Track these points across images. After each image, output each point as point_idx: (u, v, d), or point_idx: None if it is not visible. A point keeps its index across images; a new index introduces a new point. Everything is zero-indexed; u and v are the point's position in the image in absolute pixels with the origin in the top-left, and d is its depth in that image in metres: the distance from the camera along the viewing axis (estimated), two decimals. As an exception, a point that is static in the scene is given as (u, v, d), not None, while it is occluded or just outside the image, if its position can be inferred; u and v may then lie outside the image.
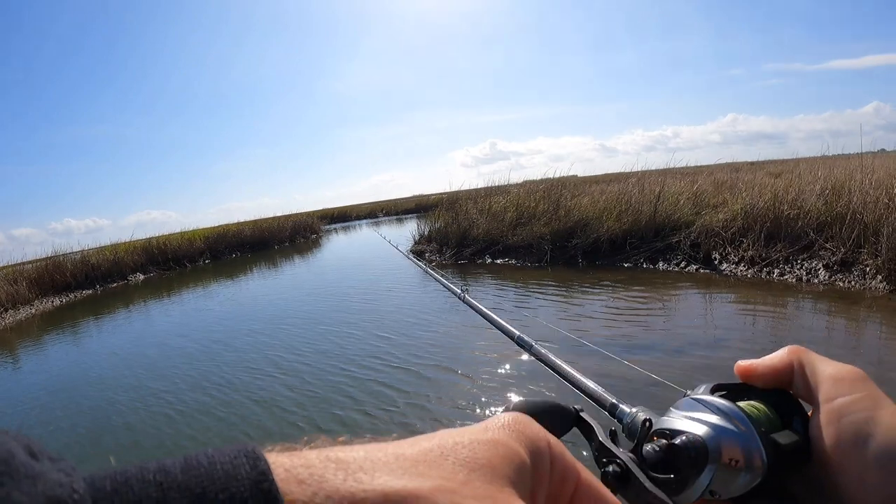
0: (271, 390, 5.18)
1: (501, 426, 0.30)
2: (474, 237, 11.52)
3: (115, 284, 18.04)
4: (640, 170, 13.54)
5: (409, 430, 3.87)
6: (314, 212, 44.53)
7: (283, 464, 0.23)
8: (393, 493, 0.23)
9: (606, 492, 0.33)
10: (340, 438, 0.29)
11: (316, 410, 4.56)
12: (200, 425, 4.65)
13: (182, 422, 4.79)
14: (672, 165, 13.54)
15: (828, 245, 7.22)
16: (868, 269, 6.67)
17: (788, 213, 7.82)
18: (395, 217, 41.66)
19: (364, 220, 43.74)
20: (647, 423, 0.48)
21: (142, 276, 19.19)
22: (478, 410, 4.21)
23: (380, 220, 41.99)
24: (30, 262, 19.28)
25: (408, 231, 16.25)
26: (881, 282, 6.39)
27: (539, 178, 14.62)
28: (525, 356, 4.88)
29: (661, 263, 8.62)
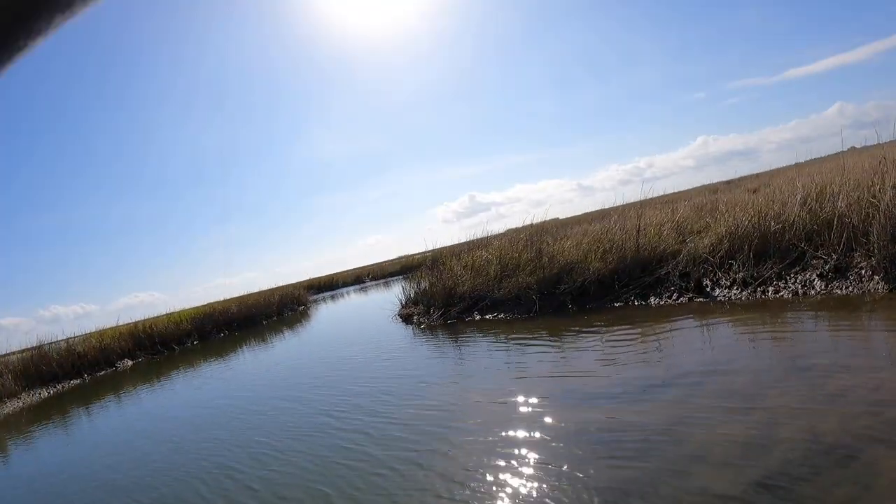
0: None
1: None
2: (460, 295, 11.23)
3: (103, 372, 17.50)
4: (619, 204, 13.40)
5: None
6: (300, 282, 44.09)
7: None
8: None
9: None
10: None
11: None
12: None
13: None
14: (650, 196, 13.39)
15: (819, 254, 7.03)
16: (864, 271, 6.48)
17: (774, 229, 7.62)
18: (381, 281, 41.32)
19: (351, 287, 43.26)
20: None
21: (130, 362, 18.64)
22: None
23: (367, 285, 41.58)
24: (15, 353, 18.71)
25: (394, 294, 16.01)
26: (879, 282, 6.20)
27: (520, 224, 14.48)
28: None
29: (652, 298, 8.30)
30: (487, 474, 3.87)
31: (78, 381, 16.42)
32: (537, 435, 4.37)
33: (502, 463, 4.01)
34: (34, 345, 18.57)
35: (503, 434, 4.54)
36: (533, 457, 4.00)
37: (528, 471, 3.80)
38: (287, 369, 10.49)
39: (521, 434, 4.47)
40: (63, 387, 15.83)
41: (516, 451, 4.15)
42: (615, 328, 7.23)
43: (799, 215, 7.55)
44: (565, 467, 3.70)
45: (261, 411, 7.36)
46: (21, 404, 13.94)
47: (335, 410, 6.41)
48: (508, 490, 3.59)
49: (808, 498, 2.78)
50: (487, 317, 10.37)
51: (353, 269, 61.81)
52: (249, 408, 7.71)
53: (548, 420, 4.65)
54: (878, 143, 9.39)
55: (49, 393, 15.12)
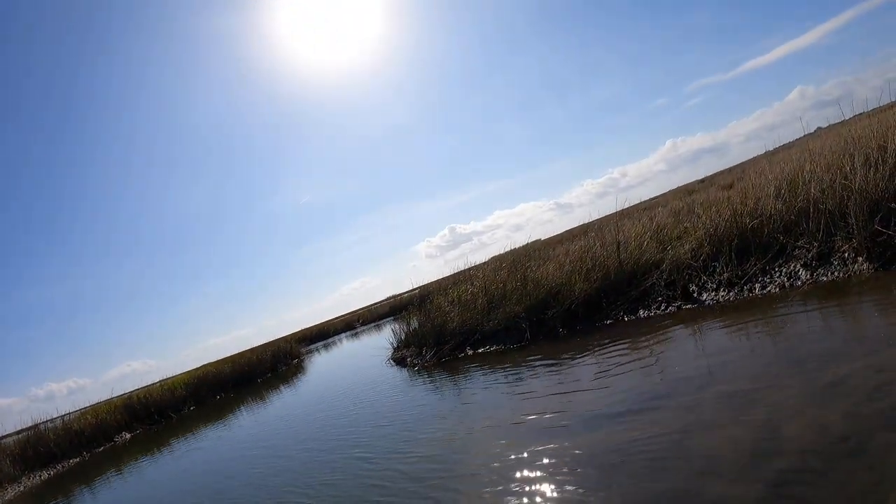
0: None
1: None
2: (451, 331, 11.02)
3: (101, 448, 17.09)
4: (597, 218, 13.38)
5: None
6: (292, 335, 43.77)
7: None
8: None
9: None
10: None
11: None
12: None
13: None
14: (627, 206, 13.34)
15: (800, 243, 6.97)
16: (847, 254, 6.40)
17: (752, 225, 7.57)
18: (373, 324, 41.11)
19: (343, 334, 42.90)
20: None
21: (128, 435, 18.26)
22: None
23: (358, 330, 41.30)
24: (11, 436, 18.46)
25: (385, 337, 15.94)
26: (863, 263, 6.12)
27: (502, 251, 14.45)
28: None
29: (641, 311, 8.14)
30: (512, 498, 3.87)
31: (78, 459, 16.05)
32: (547, 460, 4.29)
33: (517, 487, 4.02)
34: (29, 425, 18.27)
35: (519, 456, 4.55)
36: (547, 483, 3.92)
37: (546, 493, 3.76)
38: (295, 422, 10.25)
39: (533, 460, 4.40)
40: (63, 467, 15.44)
41: (533, 474, 4.14)
42: (609, 346, 7.09)
43: (774, 207, 7.51)
44: (578, 493, 3.60)
45: (282, 463, 7.30)
46: (22, 489, 13.58)
47: (358, 451, 6.43)
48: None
49: (826, 494, 2.67)
50: (480, 350, 10.18)
51: (344, 314, 61.66)
52: (268, 461, 7.62)
53: (555, 445, 4.53)
54: (843, 121, 9.41)
55: (49, 474, 14.72)
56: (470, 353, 10.37)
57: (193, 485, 7.94)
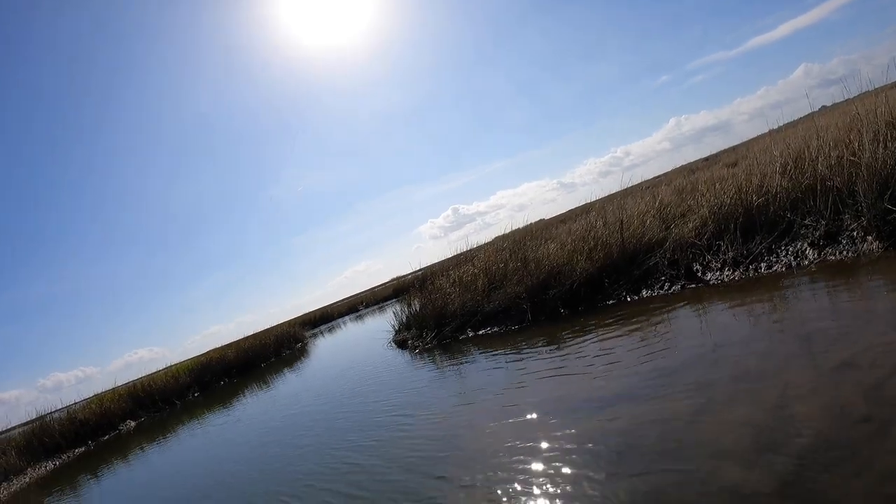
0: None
1: None
2: (452, 313, 10.91)
3: (106, 437, 17.12)
4: (600, 197, 13.25)
5: None
6: (295, 319, 43.77)
7: None
8: None
9: None
10: None
11: None
12: None
13: None
14: (631, 184, 13.21)
15: (806, 221, 6.81)
16: (855, 233, 6.24)
17: (757, 202, 7.41)
18: (376, 307, 41.16)
19: (347, 316, 43.06)
20: None
21: (133, 423, 18.27)
22: None
23: (362, 312, 41.38)
24: (17, 428, 18.49)
25: (388, 320, 15.94)
26: (872, 242, 5.95)
27: (505, 232, 14.32)
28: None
29: (644, 291, 8.00)
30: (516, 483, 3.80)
31: (83, 449, 16.05)
32: (556, 446, 4.16)
33: (521, 470, 3.96)
34: (34, 417, 18.26)
35: (524, 443, 4.43)
36: (554, 471, 3.78)
37: (553, 477, 3.67)
38: (308, 400, 10.27)
39: (538, 445, 4.28)
40: (68, 456, 15.43)
41: (537, 458, 4.06)
42: (612, 327, 6.95)
43: (780, 185, 7.34)
44: (586, 478, 3.49)
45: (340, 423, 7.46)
46: (28, 480, 13.57)
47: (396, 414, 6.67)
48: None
49: (850, 478, 2.54)
50: (480, 332, 10.09)
51: (347, 297, 61.75)
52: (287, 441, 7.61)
53: (561, 431, 4.40)
54: (847, 99, 9.23)
55: (55, 464, 14.74)
56: (470, 334, 10.27)
57: (244, 448, 8.12)
